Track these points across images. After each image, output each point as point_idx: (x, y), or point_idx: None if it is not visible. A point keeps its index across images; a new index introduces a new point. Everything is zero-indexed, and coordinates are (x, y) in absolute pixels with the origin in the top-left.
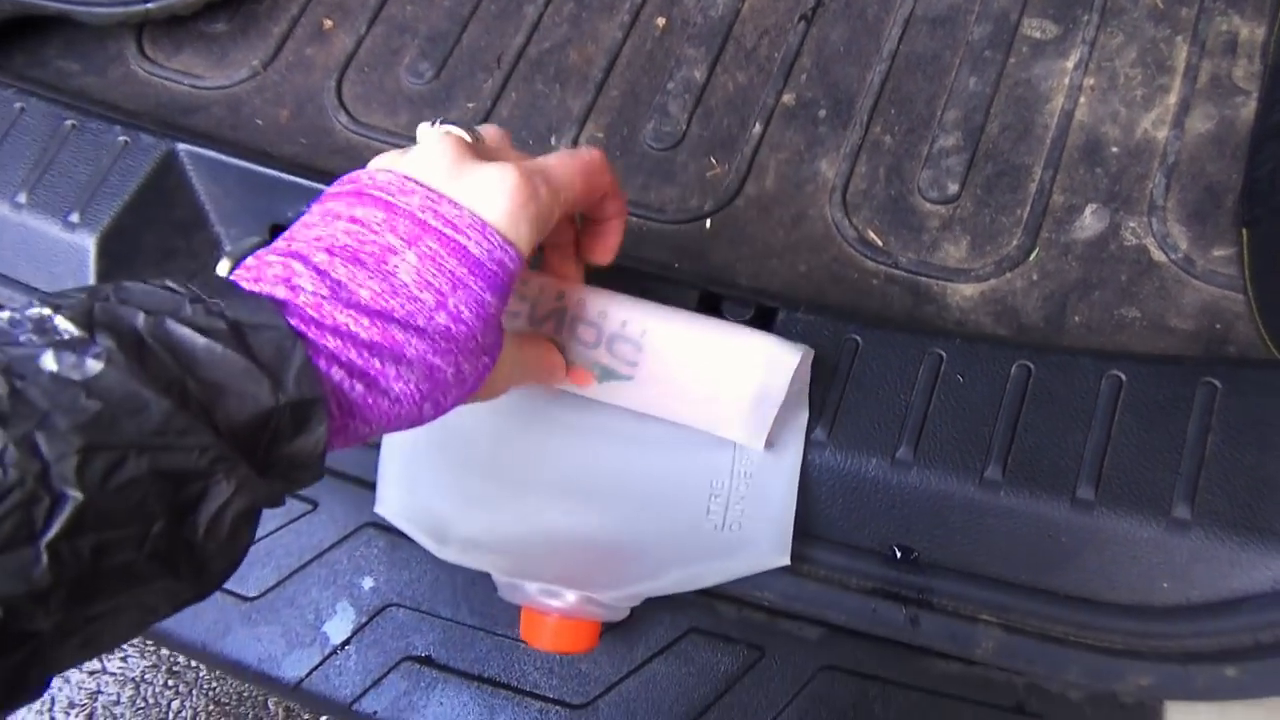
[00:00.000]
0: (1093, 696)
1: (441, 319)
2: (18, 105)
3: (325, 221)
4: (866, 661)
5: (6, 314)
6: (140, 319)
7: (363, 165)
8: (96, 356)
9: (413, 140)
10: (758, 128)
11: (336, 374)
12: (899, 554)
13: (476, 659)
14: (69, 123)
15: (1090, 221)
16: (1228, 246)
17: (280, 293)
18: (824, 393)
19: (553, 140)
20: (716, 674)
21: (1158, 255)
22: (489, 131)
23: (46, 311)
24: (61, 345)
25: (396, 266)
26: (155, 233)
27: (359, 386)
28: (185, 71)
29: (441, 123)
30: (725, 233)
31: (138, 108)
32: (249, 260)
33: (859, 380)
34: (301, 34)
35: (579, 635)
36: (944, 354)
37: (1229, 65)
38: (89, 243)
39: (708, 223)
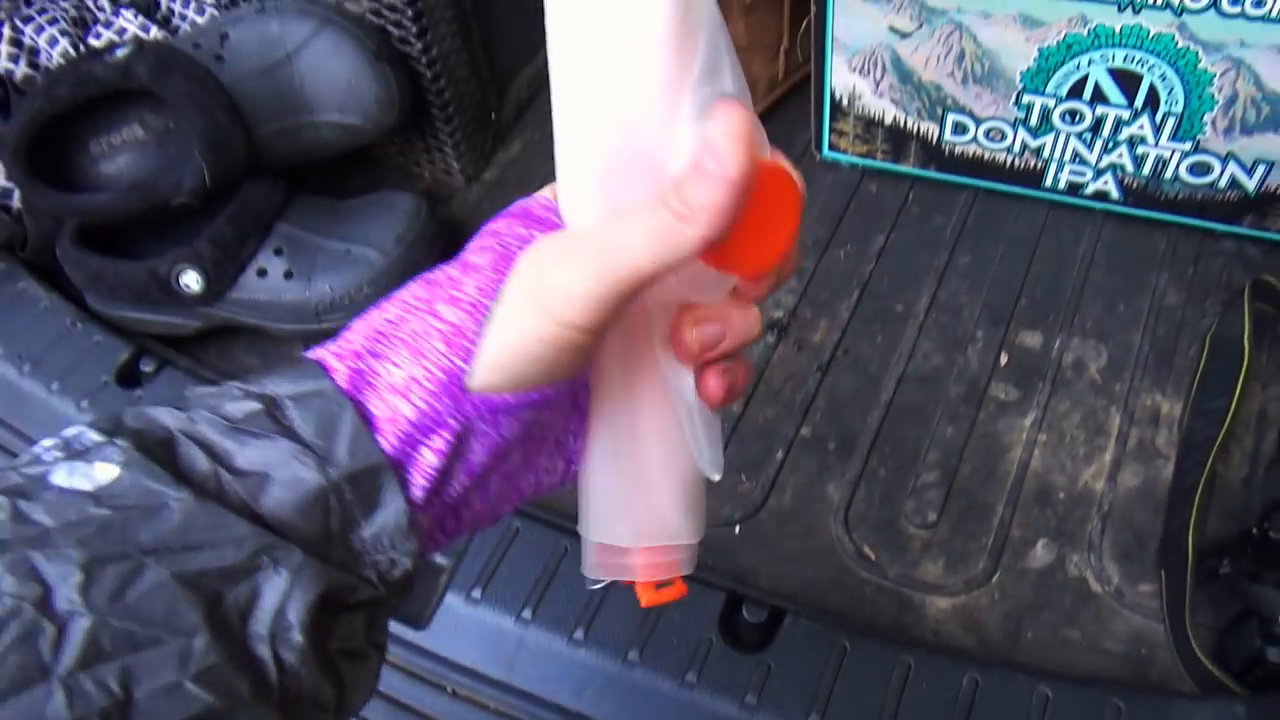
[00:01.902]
0: None
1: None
2: None
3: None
4: None
5: (49, 440)
6: (171, 418)
7: None
8: (109, 460)
9: None
10: (780, 454)
11: (396, 427)
12: None
13: None
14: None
15: (1041, 554)
16: (1151, 584)
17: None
18: (818, 688)
19: None
20: None
21: (1095, 586)
22: None
23: (80, 428)
24: (75, 455)
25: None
26: None
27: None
28: None
29: None
30: (751, 538)
31: None
32: None
33: (845, 678)
34: None
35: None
36: (912, 663)
37: (1153, 433)
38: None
39: (737, 528)
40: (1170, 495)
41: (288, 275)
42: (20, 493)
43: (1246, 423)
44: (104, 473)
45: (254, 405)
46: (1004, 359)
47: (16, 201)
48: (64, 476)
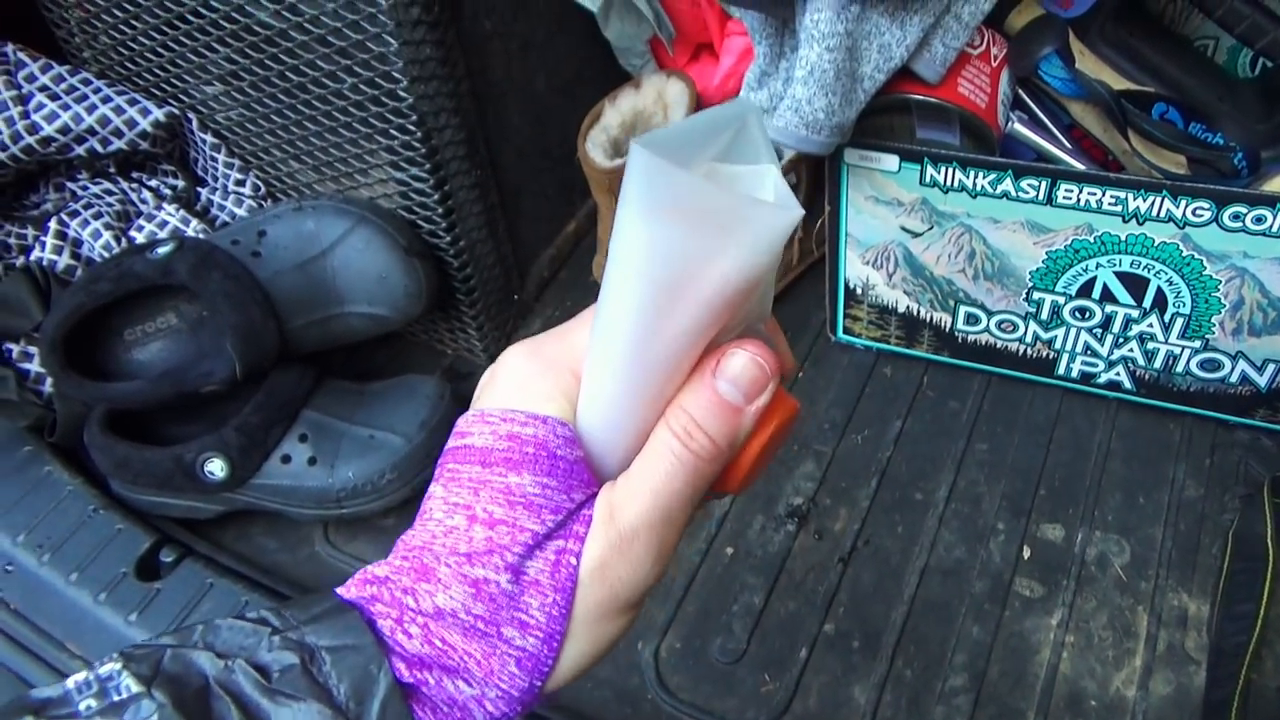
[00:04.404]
0: None
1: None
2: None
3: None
4: None
5: (83, 674)
6: (210, 666)
7: None
8: (144, 718)
9: None
10: (804, 652)
11: (429, 681)
12: None
13: None
14: None
15: None
16: None
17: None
18: None
19: (639, 645)
20: None
21: None
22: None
23: (117, 667)
24: (110, 710)
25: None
26: None
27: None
28: (358, 557)
29: None
30: None
31: (315, 584)
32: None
33: None
34: None
35: None
36: None
37: (1182, 636)
38: None
39: None
40: (1204, 708)
41: (311, 462)
42: None
43: (1277, 626)
44: None
45: (290, 658)
46: (1026, 552)
47: (48, 387)
48: None
